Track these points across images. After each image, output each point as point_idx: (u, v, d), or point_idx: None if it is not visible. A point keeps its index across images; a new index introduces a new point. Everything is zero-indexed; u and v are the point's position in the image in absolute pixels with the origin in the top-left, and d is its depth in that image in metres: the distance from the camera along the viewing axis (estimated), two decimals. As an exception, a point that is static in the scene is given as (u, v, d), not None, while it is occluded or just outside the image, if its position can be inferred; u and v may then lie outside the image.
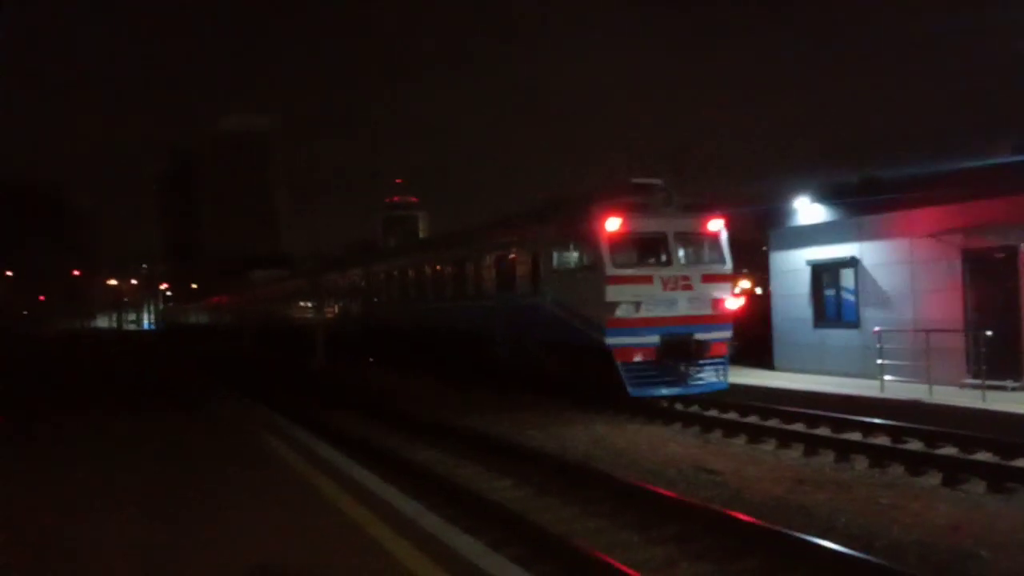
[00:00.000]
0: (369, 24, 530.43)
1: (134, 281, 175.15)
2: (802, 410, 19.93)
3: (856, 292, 25.94)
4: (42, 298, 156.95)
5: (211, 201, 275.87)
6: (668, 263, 22.77)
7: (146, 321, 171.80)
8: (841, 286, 26.60)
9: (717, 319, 22.91)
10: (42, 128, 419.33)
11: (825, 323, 27.15)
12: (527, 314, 25.48)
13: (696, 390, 22.19)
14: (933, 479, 14.24)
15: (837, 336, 26.46)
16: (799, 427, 18.99)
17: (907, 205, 24.10)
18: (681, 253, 23.07)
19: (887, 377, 22.44)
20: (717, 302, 22.97)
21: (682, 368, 22.29)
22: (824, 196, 26.89)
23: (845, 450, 16.15)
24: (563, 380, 24.35)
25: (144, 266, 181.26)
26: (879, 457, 15.41)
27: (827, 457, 16.07)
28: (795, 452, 16.66)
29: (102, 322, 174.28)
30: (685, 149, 55.33)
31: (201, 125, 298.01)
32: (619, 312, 22.09)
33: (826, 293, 27.16)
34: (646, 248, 22.95)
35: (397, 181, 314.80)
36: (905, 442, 16.96)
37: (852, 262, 26.01)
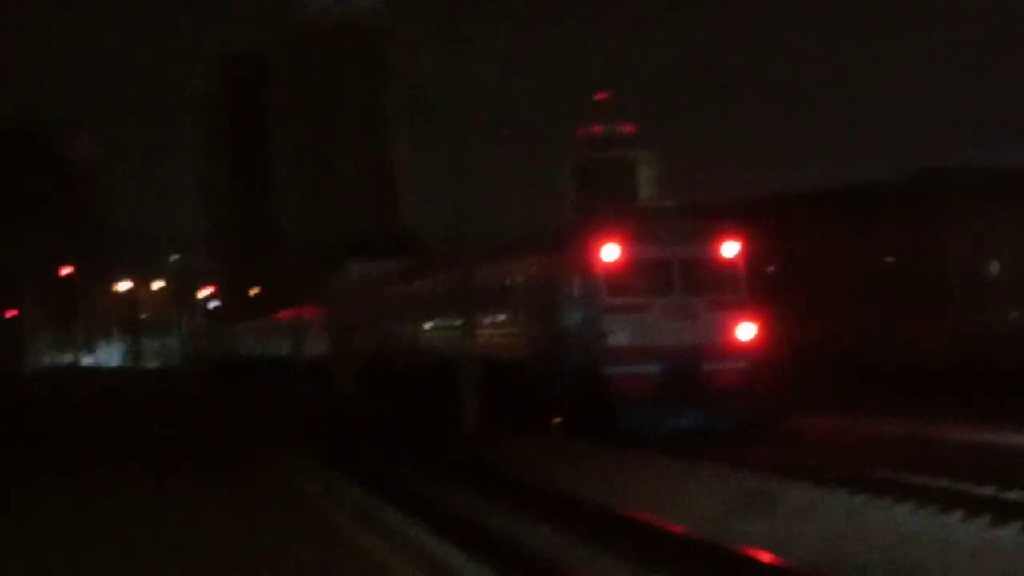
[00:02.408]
0: None
1: (158, 284, 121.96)
2: None
3: None
4: (12, 313, 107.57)
5: (285, 148, 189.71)
6: (670, 291, 24.24)
7: (177, 348, 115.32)
8: None
9: (727, 348, 24.01)
10: (43, 52, 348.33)
11: None
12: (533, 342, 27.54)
13: (698, 426, 23.21)
14: None
15: None
16: None
17: None
18: (686, 280, 24.34)
19: None
20: (727, 331, 24.07)
21: (686, 401, 23.30)
22: None
23: None
24: (560, 411, 25.69)
25: (174, 258, 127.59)
26: None
27: None
28: None
29: (107, 355, 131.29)
30: None
31: (270, 15, 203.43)
32: (613, 342, 23.77)
33: None
34: (647, 276, 24.51)
35: (599, 97, 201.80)
36: None
37: None
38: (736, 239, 24.88)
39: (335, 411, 40.02)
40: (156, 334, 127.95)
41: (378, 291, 50.93)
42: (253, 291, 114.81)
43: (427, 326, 40.18)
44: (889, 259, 42.90)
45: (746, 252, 24.95)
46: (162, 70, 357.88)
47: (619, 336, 23.76)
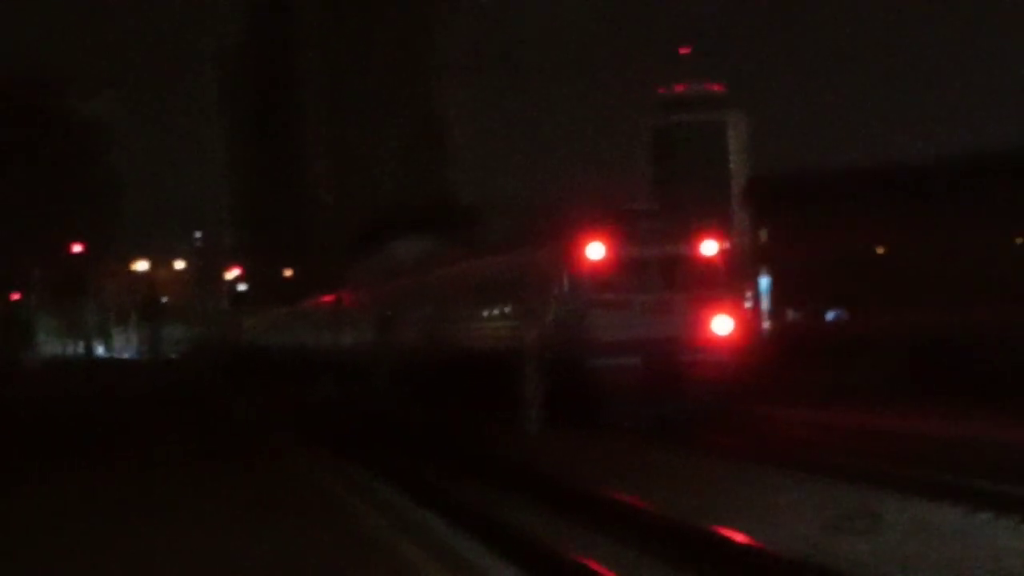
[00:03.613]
0: None
1: (180, 264, 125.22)
2: None
3: None
4: (16, 296, 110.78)
5: (320, 110, 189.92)
6: (650, 288, 29.36)
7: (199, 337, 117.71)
8: None
9: (705, 341, 28.93)
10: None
11: None
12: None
13: (677, 414, 27.93)
14: None
15: None
16: None
17: None
18: (665, 277, 29.60)
19: None
20: (703, 324, 29.02)
21: (664, 391, 27.98)
22: None
23: None
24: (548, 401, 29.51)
25: (198, 235, 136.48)
26: None
27: None
28: None
29: (121, 343, 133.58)
30: None
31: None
32: (597, 335, 28.88)
33: None
34: (628, 274, 29.63)
35: (682, 51, 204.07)
36: None
37: None
38: (716, 239, 30.59)
39: (378, 412, 40.51)
40: (177, 320, 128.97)
41: (423, 273, 51.77)
42: (286, 272, 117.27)
43: (475, 314, 41.26)
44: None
45: (725, 250, 31.01)
46: (185, 22, 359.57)
47: (603, 330, 29.00)
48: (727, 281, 30.89)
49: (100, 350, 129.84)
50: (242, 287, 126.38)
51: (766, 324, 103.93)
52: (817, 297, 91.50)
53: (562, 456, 25.14)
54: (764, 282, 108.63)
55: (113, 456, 27.03)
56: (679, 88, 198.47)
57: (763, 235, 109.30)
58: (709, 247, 30.22)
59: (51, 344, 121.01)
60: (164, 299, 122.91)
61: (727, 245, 31.16)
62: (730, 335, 29.63)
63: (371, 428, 34.21)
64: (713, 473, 22.01)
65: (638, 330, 28.68)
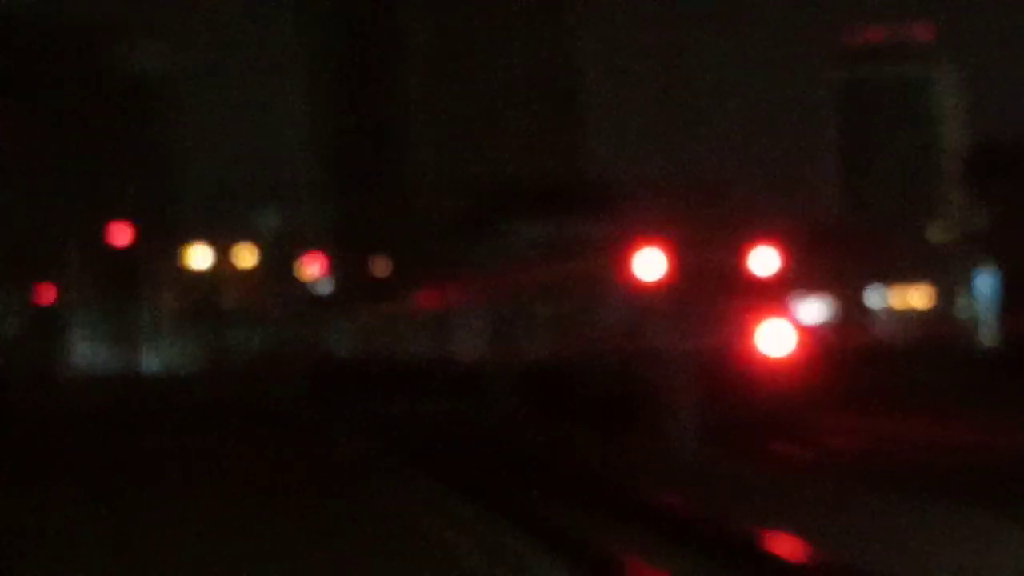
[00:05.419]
0: None
1: (247, 251, 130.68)
2: None
3: None
4: (48, 293, 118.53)
5: (421, 65, 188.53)
6: (706, 298, 37.50)
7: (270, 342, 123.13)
8: None
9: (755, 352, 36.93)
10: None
11: None
12: None
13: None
14: None
15: None
16: None
17: None
18: (717, 287, 37.74)
19: None
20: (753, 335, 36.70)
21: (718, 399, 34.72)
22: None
23: None
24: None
25: (270, 216, 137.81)
26: None
27: None
28: None
29: (176, 349, 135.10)
30: None
31: None
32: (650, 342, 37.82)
33: None
34: (684, 282, 37.30)
35: None
36: None
37: None
38: (775, 248, 37.74)
39: (499, 432, 44.67)
40: (244, 322, 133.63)
41: (552, 263, 55.71)
42: (377, 262, 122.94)
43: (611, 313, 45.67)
44: None
45: (785, 261, 38.15)
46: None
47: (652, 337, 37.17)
48: (783, 291, 38.79)
49: (151, 359, 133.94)
50: (324, 279, 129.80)
51: (985, 335, 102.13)
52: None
53: (757, 500, 24.69)
54: (985, 280, 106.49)
55: (192, 493, 28.67)
56: (872, 33, 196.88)
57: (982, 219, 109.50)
58: (767, 258, 37.55)
59: (92, 351, 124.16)
60: (228, 295, 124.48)
61: (786, 255, 38.55)
62: (785, 346, 36.43)
63: (492, 453, 36.35)
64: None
65: (693, 338, 35.56)
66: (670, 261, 36.94)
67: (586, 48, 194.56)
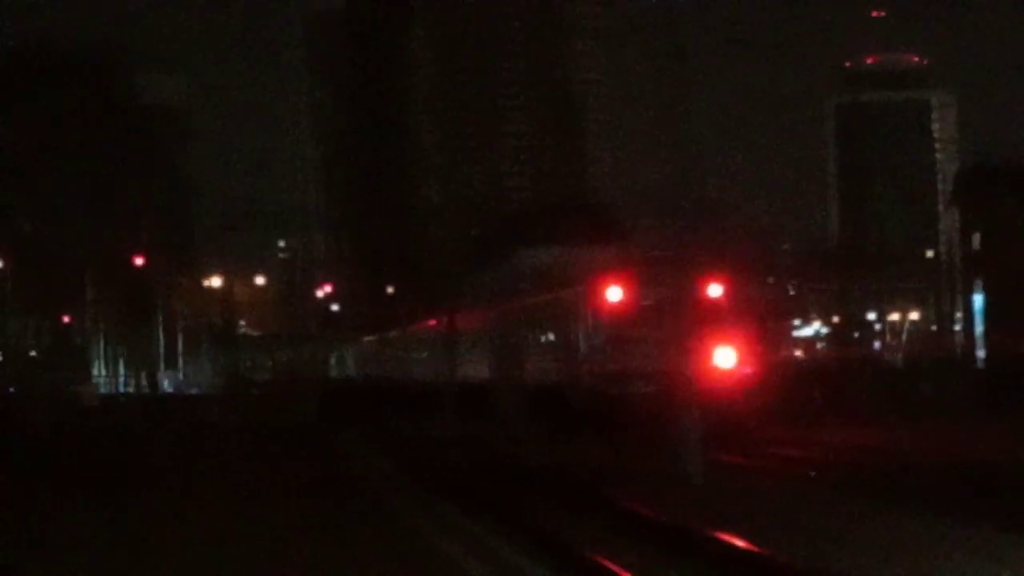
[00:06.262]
0: None
1: (261, 279, 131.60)
2: None
3: None
4: (67, 319, 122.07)
5: (430, 92, 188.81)
6: (663, 325, 41.71)
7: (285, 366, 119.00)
8: None
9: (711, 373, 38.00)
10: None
11: None
12: None
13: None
14: None
15: None
16: None
17: None
18: (676, 316, 40.82)
19: None
20: (710, 357, 37.41)
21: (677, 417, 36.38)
22: None
23: None
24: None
25: (283, 244, 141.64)
26: None
27: None
28: None
29: (190, 373, 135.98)
30: None
31: None
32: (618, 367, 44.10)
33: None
34: (644, 313, 44.15)
35: (875, 15, 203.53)
36: None
37: None
38: (719, 281, 43.15)
39: (509, 454, 42.57)
40: (258, 347, 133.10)
41: (558, 289, 55.46)
42: (388, 289, 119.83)
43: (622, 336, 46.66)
44: None
45: (729, 291, 43.74)
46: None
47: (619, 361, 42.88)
48: (731, 318, 42.22)
49: (167, 383, 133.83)
50: (335, 307, 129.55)
51: (981, 353, 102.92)
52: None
53: (770, 523, 24.68)
54: (978, 299, 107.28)
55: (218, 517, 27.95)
56: (870, 59, 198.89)
57: (975, 240, 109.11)
58: (715, 290, 42.76)
59: (110, 374, 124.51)
60: (242, 321, 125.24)
61: (730, 288, 43.96)
62: (734, 367, 38.53)
63: (504, 475, 35.44)
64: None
65: (653, 362, 40.30)
66: (638, 292, 43.57)
67: (587, 76, 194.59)
